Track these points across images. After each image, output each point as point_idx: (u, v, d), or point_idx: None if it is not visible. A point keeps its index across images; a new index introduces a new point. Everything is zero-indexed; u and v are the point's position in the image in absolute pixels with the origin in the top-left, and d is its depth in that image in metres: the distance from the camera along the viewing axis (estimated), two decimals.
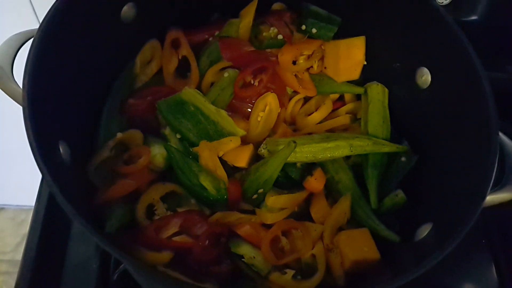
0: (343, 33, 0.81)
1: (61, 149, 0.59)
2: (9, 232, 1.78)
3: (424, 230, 0.64)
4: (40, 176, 0.50)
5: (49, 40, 0.59)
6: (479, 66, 0.63)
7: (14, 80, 0.62)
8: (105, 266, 0.78)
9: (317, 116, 0.80)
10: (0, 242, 1.77)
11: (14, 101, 0.61)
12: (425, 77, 0.74)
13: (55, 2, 0.61)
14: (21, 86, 0.55)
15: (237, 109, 0.77)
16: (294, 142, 0.66)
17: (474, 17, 1.08)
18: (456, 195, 0.63)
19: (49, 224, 0.81)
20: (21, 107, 0.54)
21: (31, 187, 0.86)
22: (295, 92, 0.81)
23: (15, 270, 0.77)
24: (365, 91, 0.80)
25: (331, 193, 0.74)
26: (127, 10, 0.73)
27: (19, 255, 0.75)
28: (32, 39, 0.58)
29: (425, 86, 0.74)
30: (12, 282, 0.76)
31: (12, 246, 1.76)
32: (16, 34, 0.67)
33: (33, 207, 0.83)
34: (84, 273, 0.77)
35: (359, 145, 0.73)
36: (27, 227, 0.81)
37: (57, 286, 0.76)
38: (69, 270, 0.78)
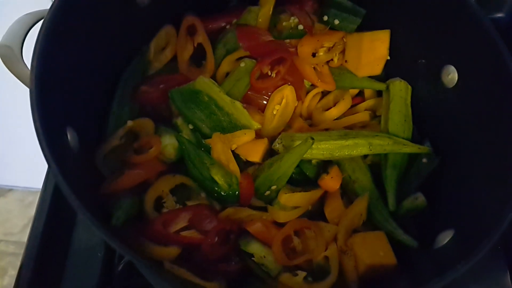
0: (366, 26, 0.78)
1: (68, 136, 0.58)
2: (17, 214, 1.80)
3: (445, 237, 0.61)
4: None
5: (60, 22, 0.57)
6: (511, 67, 0.60)
7: (23, 61, 0.61)
8: (110, 255, 0.77)
9: (335, 111, 0.78)
10: (8, 224, 1.78)
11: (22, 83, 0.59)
12: (451, 75, 0.70)
13: None
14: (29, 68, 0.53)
15: (253, 101, 0.75)
16: (312, 138, 0.64)
17: (500, 15, 1.05)
18: (481, 201, 0.60)
19: (55, 209, 0.80)
20: None
21: (40, 169, 0.86)
22: (313, 86, 0.79)
23: (21, 252, 0.76)
24: (387, 88, 0.78)
25: (347, 193, 0.72)
26: None
27: (26, 237, 0.76)
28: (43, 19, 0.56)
29: (451, 85, 0.71)
30: (19, 264, 0.75)
31: (20, 227, 1.77)
32: (27, 14, 0.66)
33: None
34: (89, 261, 0.77)
35: (379, 144, 0.71)
36: (35, 209, 0.80)
37: (61, 273, 0.76)
38: (74, 257, 0.77)
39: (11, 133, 1.51)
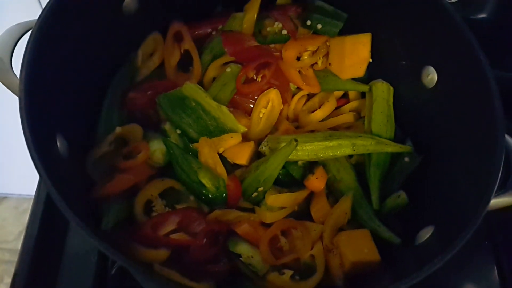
0: (349, 29, 0.79)
1: (58, 143, 0.59)
2: (12, 221, 1.79)
3: (426, 233, 0.63)
4: None
5: (48, 31, 0.58)
6: (486, 66, 0.62)
7: (13, 71, 0.61)
8: (103, 259, 0.77)
9: (320, 113, 0.79)
10: (3, 231, 1.78)
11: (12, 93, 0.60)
12: (431, 76, 0.72)
13: None
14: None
15: (239, 105, 0.76)
16: (296, 140, 0.65)
17: (482, 15, 1.07)
18: (459, 198, 0.62)
19: (48, 216, 0.80)
20: None
21: (34, 176, 0.86)
22: (299, 89, 0.80)
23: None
24: (370, 89, 0.79)
25: (332, 192, 0.73)
26: (129, 2, 0.72)
27: None
28: None
29: (431, 86, 0.72)
30: None
31: (15, 235, 1.76)
32: (16, 24, 0.66)
33: None
34: (83, 266, 0.77)
35: (362, 145, 0.72)
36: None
37: (55, 278, 0.76)
38: (68, 262, 0.77)
39: (5, 140, 1.50)
